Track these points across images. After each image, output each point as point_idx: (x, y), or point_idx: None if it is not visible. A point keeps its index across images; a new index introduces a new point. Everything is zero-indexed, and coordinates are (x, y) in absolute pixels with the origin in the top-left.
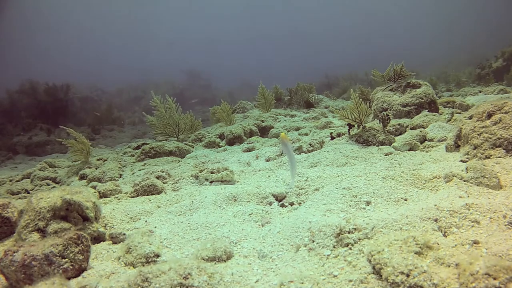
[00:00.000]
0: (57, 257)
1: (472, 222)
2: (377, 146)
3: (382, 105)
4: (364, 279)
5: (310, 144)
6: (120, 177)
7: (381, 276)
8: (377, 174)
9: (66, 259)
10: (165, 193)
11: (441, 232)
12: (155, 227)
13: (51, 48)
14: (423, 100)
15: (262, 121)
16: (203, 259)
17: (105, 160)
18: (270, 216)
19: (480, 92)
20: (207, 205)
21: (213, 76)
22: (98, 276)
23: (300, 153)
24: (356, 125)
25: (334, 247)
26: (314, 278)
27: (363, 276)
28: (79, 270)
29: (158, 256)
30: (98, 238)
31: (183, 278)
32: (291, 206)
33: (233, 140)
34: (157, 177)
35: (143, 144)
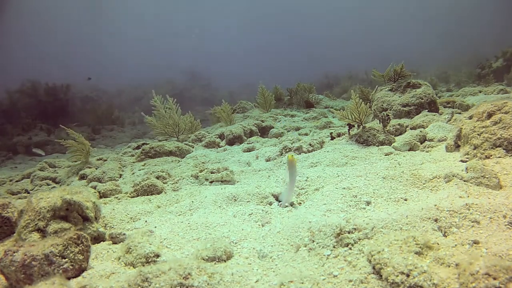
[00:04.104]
0: (57, 257)
1: (472, 222)
2: (377, 146)
3: (382, 105)
4: (364, 279)
5: (310, 144)
6: (120, 177)
7: (381, 276)
8: (377, 174)
9: (66, 259)
10: (165, 193)
11: (441, 232)
12: (155, 227)
13: (51, 48)
14: (423, 100)
15: (262, 121)
16: (203, 259)
17: (105, 160)
18: (270, 216)
19: (480, 92)
20: (207, 205)
21: (213, 76)
22: (98, 276)
23: (300, 153)
24: (356, 125)
25: (334, 247)
26: (314, 278)
27: (363, 276)
28: (79, 270)
29: (158, 256)
30: (98, 238)
31: (183, 278)
32: (291, 206)
33: (233, 140)
34: (157, 177)
35: (143, 144)
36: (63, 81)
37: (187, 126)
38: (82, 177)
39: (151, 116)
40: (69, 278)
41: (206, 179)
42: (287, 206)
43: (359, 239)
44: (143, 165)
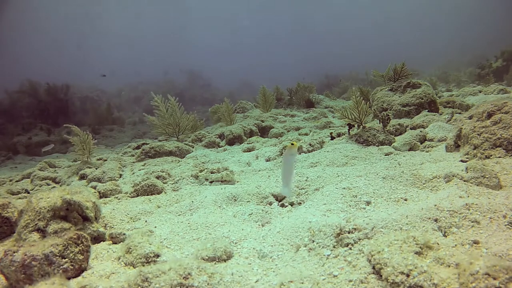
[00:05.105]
0: (57, 257)
1: (472, 222)
2: (377, 146)
3: (382, 105)
4: (364, 279)
5: (310, 144)
6: (120, 177)
7: (381, 276)
8: (377, 174)
9: (66, 259)
10: (165, 193)
11: (441, 232)
12: (155, 227)
13: (51, 49)
14: (423, 100)
15: (262, 121)
16: (203, 259)
17: (105, 160)
18: (270, 216)
19: (480, 92)
20: (207, 205)
21: (213, 76)
22: (98, 276)
23: (300, 153)
24: (356, 125)
25: (334, 247)
26: (314, 278)
27: (363, 276)
28: (79, 270)
29: (158, 256)
30: (98, 238)
31: (183, 278)
32: (291, 206)
33: (233, 140)
34: (157, 177)
35: (143, 144)
36: (63, 81)
37: (188, 126)
38: (82, 177)
39: (151, 116)
40: (69, 278)
41: (206, 179)
42: (285, 202)
43: (359, 239)
44: (143, 165)
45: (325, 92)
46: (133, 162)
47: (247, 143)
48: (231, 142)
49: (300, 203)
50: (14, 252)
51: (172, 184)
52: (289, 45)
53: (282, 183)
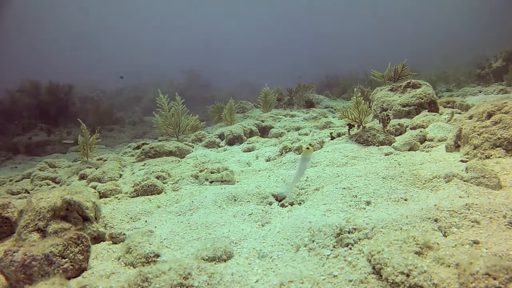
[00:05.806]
0: (57, 257)
1: (472, 222)
2: (377, 146)
3: (382, 105)
4: (364, 279)
5: (310, 144)
6: (120, 177)
7: (381, 276)
8: (377, 174)
9: (66, 259)
10: (165, 193)
11: (441, 232)
12: (155, 227)
13: (51, 49)
14: (423, 100)
15: (262, 121)
16: (203, 259)
17: (105, 160)
18: (270, 216)
19: (480, 92)
20: (207, 205)
21: (213, 76)
22: (98, 276)
23: (300, 153)
24: (356, 125)
25: (334, 247)
26: (314, 278)
27: (363, 276)
28: (79, 270)
29: (158, 256)
30: (98, 238)
31: (183, 278)
32: (291, 206)
33: (233, 140)
34: (157, 177)
35: (143, 144)
36: (63, 81)
37: (188, 126)
38: (82, 177)
39: (152, 115)
40: (69, 278)
41: (206, 179)
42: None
43: (359, 239)
44: (143, 165)
45: (325, 92)
46: (133, 162)
47: (247, 143)
48: (231, 142)
49: (300, 203)
50: (14, 252)
51: (172, 184)
52: (289, 45)
53: (288, 183)
